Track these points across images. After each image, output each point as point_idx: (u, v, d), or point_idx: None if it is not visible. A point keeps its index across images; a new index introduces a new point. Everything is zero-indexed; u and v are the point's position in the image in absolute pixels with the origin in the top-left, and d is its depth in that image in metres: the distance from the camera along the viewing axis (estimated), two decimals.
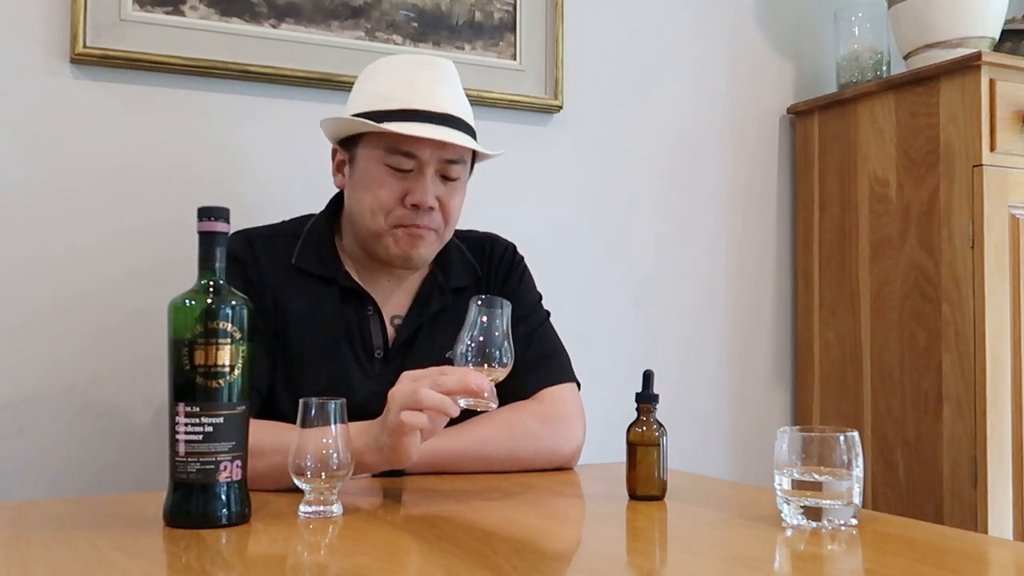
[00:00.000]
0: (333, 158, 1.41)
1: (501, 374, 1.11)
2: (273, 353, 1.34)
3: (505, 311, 1.12)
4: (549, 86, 1.97)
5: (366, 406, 1.27)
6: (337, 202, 1.44)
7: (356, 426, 1.12)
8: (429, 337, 1.38)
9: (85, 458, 1.60)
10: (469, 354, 1.10)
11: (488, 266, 1.47)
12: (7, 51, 1.58)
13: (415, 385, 1.08)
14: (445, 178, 1.34)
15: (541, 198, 1.98)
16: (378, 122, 1.29)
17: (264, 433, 1.15)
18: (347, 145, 1.37)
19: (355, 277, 1.39)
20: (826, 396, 2.16)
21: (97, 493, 1.58)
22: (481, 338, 1.10)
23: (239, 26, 1.71)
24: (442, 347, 1.37)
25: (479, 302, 1.12)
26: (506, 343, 1.11)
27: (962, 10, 1.97)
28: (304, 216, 1.45)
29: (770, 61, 2.26)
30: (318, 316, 1.35)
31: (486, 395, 1.08)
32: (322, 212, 1.44)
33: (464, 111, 1.35)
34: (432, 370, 1.10)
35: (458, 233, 1.46)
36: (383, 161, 1.31)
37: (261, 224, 1.45)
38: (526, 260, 1.53)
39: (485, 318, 1.10)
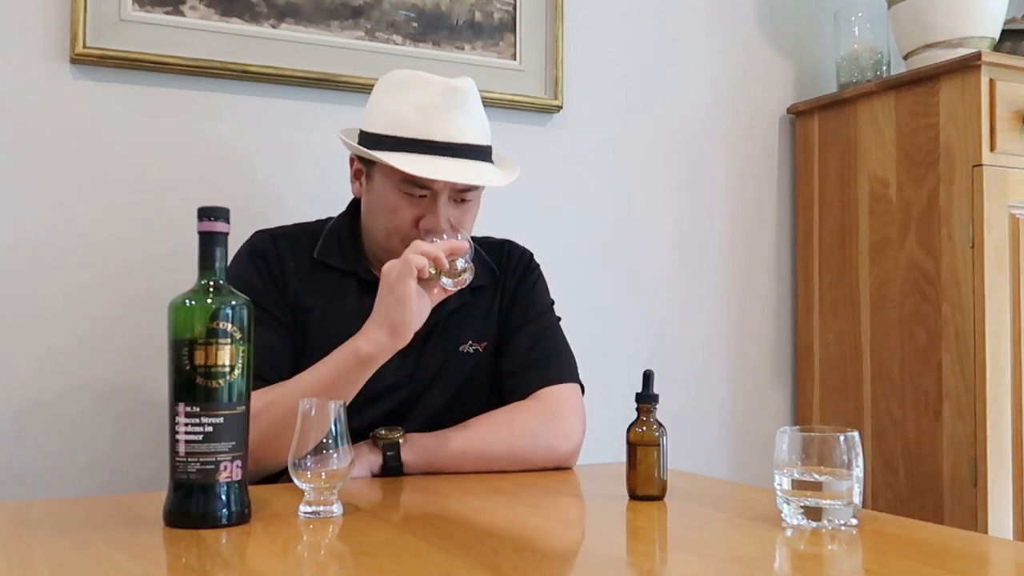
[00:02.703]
0: (351, 165, 1.43)
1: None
2: (295, 347, 1.36)
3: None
4: (549, 86, 1.97)
5: (383, 397, 1.27)
6: (357, 203, 1.46)
7: (345, 347, 1.23)
8: (445, 332, 1.40)
9: (85, 458, 1.60)
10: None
11: (505, 268, 1.49)
12: (7, 51, 1.58)
13: (406, 253, 1.19)
14: (460, 200, 1.35)
15: (540, 198, 1.97)
16: (393, 149, 1.29)
17: (257, 396, 1.13)
18: (364, 160, 1.38)
19: (375, 272, 1.41)
20: (826, 396, 2.16)
21: (97, 493, 1.58)
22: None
23: (239, 26, 1.71)
24: (457, 342, 1.39)
25: None
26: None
27: (962, 10, 1.97)
28: (326, 218, 1.48)
29: (770, 61, 2.26)
30: (339, 307, 1.38)
31: (462, 263, 1.22)
32: (343, 213, 1.47)
33: (480, 134, 1.34)
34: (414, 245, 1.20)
35: (476, 239, 1.48)
36: (397, 188, 1.32)
37: (262, 224, 1.46)
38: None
39: None
